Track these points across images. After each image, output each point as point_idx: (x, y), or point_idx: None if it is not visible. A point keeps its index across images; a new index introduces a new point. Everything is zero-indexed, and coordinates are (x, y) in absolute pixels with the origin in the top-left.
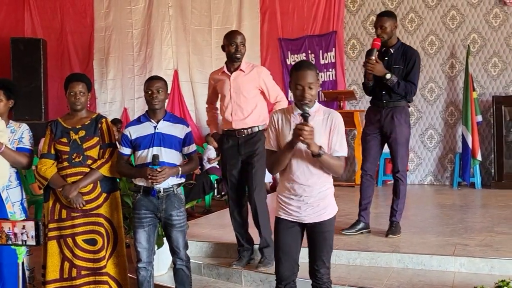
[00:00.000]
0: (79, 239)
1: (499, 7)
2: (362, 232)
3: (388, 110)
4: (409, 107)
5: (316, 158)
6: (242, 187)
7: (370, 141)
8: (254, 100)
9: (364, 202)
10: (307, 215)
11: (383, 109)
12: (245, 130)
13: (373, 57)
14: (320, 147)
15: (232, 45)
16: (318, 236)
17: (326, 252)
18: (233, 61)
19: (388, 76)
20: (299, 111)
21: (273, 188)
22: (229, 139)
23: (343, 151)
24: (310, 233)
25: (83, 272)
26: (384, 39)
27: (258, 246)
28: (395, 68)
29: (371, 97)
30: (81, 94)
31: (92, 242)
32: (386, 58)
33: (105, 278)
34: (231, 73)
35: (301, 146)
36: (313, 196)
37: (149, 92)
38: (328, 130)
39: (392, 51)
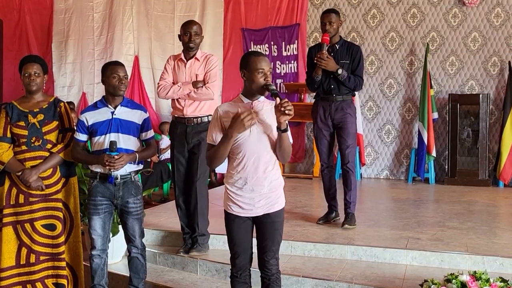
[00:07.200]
0: (37, 224)
1: (458, 7)
2: (334, 220)
3: (338, 103)
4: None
5: (274, 140)
6: (189, 176)
7: (325, 136)
8: None
9: (331, 191)
10: (259, 207)
11: (333, 103)
12: (195, 119)
13: (324, 51)
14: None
15: (186, 34)
16: (269, 227)
17: (276, 243)
18: (187, 50)
19: (340, 71)
20: (247, 101)
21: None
22: (178, 126)
23: (290, 138)
24: (260, 224)
25: (41, 258)
26: (332, 34)
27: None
28: (341, 63)
29: (315, 93)
30: (36, 75)
31: (51, 227)
32: (332, 54)
33: (63, 263)
34: (187, 61)
35: (252, 136)
36: (266, 187)
37: (118, 77)
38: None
39: (337, 47)
